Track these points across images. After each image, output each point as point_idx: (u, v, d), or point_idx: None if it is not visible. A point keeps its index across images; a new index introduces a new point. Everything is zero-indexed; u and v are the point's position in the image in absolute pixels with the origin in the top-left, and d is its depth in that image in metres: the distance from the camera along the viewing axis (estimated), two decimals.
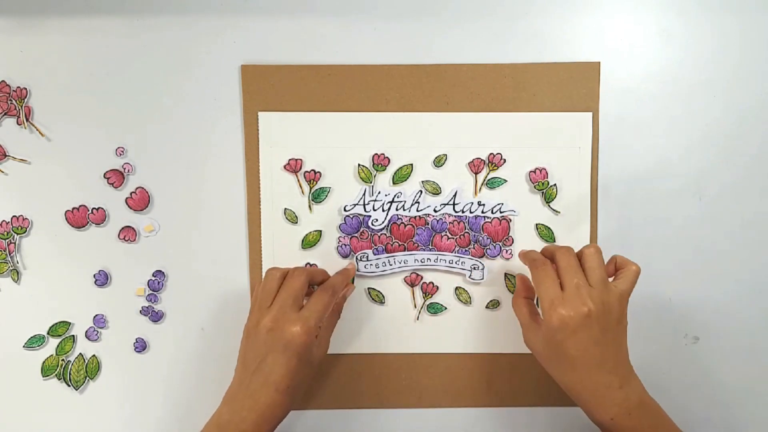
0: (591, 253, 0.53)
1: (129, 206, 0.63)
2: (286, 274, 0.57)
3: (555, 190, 0.63)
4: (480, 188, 0.63)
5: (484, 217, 0.63)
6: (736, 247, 0.64)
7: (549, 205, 0.63)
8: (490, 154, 0.63)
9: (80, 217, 0.63)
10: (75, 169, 0.63)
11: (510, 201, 0.63)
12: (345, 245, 0.63)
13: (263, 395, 0.53)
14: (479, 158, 0.63)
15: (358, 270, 0.63)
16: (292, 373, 0.53)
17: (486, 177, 0.63)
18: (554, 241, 0.63)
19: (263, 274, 0.63)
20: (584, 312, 0.49)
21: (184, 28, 0.62)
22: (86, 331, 0.64)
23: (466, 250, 0.63)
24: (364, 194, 0.63)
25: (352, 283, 0.63)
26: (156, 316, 0.64)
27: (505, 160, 0.63)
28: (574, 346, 0.50)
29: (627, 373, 0.52)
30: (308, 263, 0.63)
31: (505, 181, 0.63)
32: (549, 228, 0.63)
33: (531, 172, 0.63)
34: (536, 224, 0.63)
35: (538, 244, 0.63)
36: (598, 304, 0.50)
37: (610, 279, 0.55)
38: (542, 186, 0.63)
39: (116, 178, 0.63)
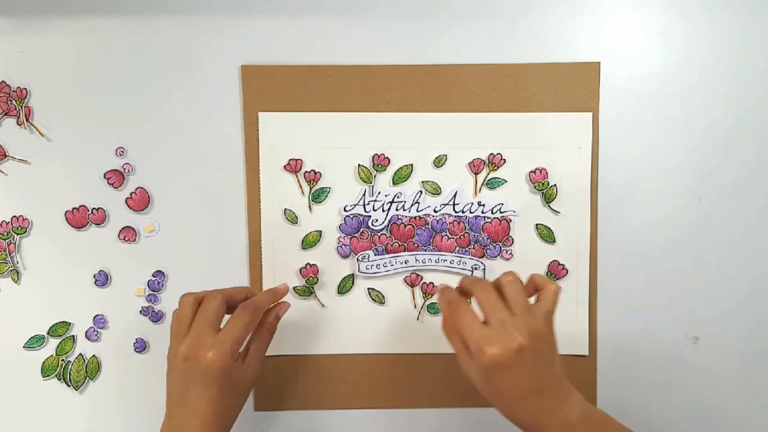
0: (509, 281, 0.51)
1: (129, 206, 0.63)
2: (202, 299, 0.54)
3: (555, 190, 0.63)
4: (480, 188, 0.63)
5: (484, 217, 0.63)
6: (736, 247, 0.64)
7: (549, 205, 0.63)
8: (490, 154, 0.63)
9: (80, 218, 0.63)
10: (75, 169, 0.63)
11: (510, 201, 0.63)
12: (345, 245, 0.63)
13: (191, 427, 0.51)
14: (479, 158, 0.63)
15: (359, 270, 0.63)
16: (216, 401, 0.51)
17: (486, 177, 0.63)
18: (554, 242, 0.63)
19: (263, 275, 0.63)
20: (514, 347, 0.47)
21: (184, 28, 0.62)
22: (86, 332, 0.64)
23: (466, 251, 0.63)
24: (364, 194, 0.63)
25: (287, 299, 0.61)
26: (156, 316, 0.64)
27: (505, 161, 0.63)
28: (509, 382, 0.48)
29: (564, 392, 0.50)
30: (308, 264, 0.63)
31: (505, 181, 0.63)
32: (549, 228, 0.63)
33: (531, 172, 0.63)
34: (536, 224, 0.63)
35: (538, 244, 0.63)
36: (526, 335, 0.48)
37: (531, 300, 0.52)
38: (542, 186, 0.63)
39: (116, 178, 0.63)
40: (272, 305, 0.59)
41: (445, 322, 0.53)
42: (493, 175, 0.63)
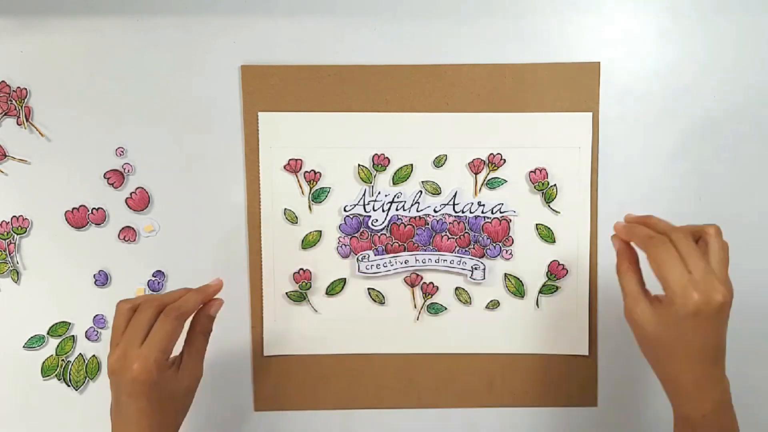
0: (715, 235, 0.48)
1: (129, 206, 0.63)
2: (138, 306, 0.52)
3: (555, 190, 0.63)
4: (480, 188, 0.63)
5: (484, 217, 0.63)
6: (736, 247, 0.64)
7: (549, 206, 0.63)
8: (490, 154, 0.63)
9: (80, 218, 0.63)
10: (75, 169, 0.63)
11: (510, 201, 0.63)
12: (345, 245, 0.63)
13: None
14: (479, 158, 0.63)
15: (359, 270, 0.63)
16: (147, 413, 0.50)
17: (486, 177, 0.63)
18: (554, 242, 0.63)
19: (263, 275, 0.63)
20: (719, 301, 0.45)
21: (184, 28, 0.62)
22: (86, 332, 0.64)
23: (466, 251, 0.63)
24: (364, 194, 0.63)
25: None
26: None
27: (505, 160, 0.63)
28: (702, 335, 0.46)
29: (724, 367, 0.49)
30: (301, 269, 0.63)
31: (505, 181, 0.63)
32: (549, 228, 0.63)
33: (531, 172, 0.63)
34: (536, 224, 0.63)
35: (538, 244, 0.63)
36: (728, 294, 0.46)
37: None
38: (542, 186, 0.63)
39: (116, 178, 0.63)
40: (203, 304, 0.55)
41: (622, 254, 0.51)
42: (493, 175, 0.63)
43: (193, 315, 0.54)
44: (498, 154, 0.63)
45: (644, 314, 0.48)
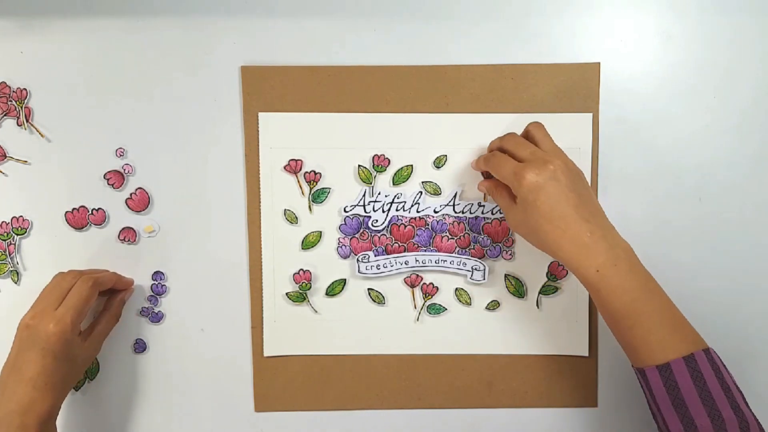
0: (535, 127, 0.57)
1: (129, 207, 0.63)
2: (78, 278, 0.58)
3: None
4: (487, 196, 0.63)
5: (485, 218, 0.63)
6: (736, 247, 0.64)
7: None
8: None
9: (80, 218, 0.63)
10: (75, 169, 0.63)
11: None
12: (345, 246, 0.63)
13: (21, 394, 0.53)
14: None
15: (359, 271, 0.63)
16: (49, 371, 0.54)
17: None
18: None
19: (263, 275, 0.63)
20: (549, 168, 0.51)
21: (184, 28, 0.62)
22: None
23: (466, 251, 0.63)
24: (364, 195, 0.63)
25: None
26: (156, 317, 0.64)
27: None
28: (547, 200, 0.51)
29: (608, 226, 0.53)
30: (301, 269, 0.63)
31: None
32: None
33: None
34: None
35: None
36: (559, 161, 0.52)
37: None
38: None
39: (116, 178, 0.63)
40: (118, 290, 0.62)
41: (489, 180, 0.59)
42: None
43: (107, 298, 0.62)
44: None
45: (514, 216, 0.55)
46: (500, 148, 0.58)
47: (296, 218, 0.63)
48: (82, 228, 0.63)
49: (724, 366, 0.51)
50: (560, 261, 0.53)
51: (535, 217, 0.51)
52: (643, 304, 0.50)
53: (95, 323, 0.60)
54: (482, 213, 0.63)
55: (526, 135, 0.58)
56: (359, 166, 0.63)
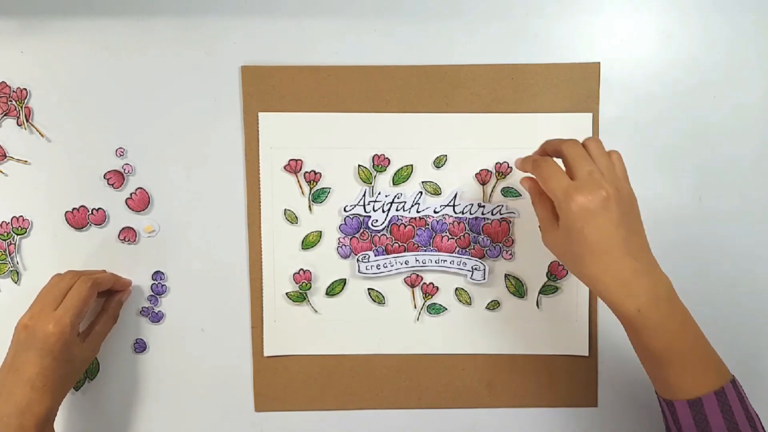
0: (594, 142, 0.52)
1: (129, 207, 0.63)
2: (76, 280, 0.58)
3: None
4: (490, 197, 0.63)
5: (485, 218, 0.63)
6: (736, 247, 0.64)
7: None
8: (497, 163, 0.63)
9: (80, 218, 0.63)
10: (75, 169, 0.63)
11: (510, 202, 0.63)
12: (345, 246, 0.63)
13: (19, 395, 0.53)
14: (485, 169, 0.63)
15: (359, 271, 0.63)
16: (48, 372, 0.54)
17: (493, 187, 0.63)
18: None
19: (263, 275, 0.63)
20: (602, 196, 0.47)
21: (184, 28, 0.62)
22: None
23: (466, 251, 0.63)
24: (364, 195, 0.63)
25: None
26: (156, 317, 0.64)
27: (511, 169, 0.63)
28: (595, 231, 0.47)
29: (652, 262, 0.50)
30: (301, 269, 0.63)
31: (519, 195, 0.63)
32: None
33: None
34: (538, 225, 0.63)
35: (538, 245, 0.63)
36: (613, 188, 0.48)
37: None
38: None
39: (116, 178, 0.63)
40: (116, 291, 0.62)
41: (532, 189, 0.54)
42: (503, 184, 0.63)
43: (105, 299, 0.62)
44: (504, 162, 0.63)
45: (553, 236, 0.51)
46: (557, 152, 0.52)
47: (296, 218, 0.63)
48: (82, 228, 0.63)
49: (744, 392, 0.51)
50: (598, 295, 0.50)
51: (578, 245, 0.48)
52: (681, 343, 0.49)
53: (93, 324, 0.60)
54: (482, 213, 0.63)
55: (584, 147, 0.52)
56: (359, 166, 0.63)
